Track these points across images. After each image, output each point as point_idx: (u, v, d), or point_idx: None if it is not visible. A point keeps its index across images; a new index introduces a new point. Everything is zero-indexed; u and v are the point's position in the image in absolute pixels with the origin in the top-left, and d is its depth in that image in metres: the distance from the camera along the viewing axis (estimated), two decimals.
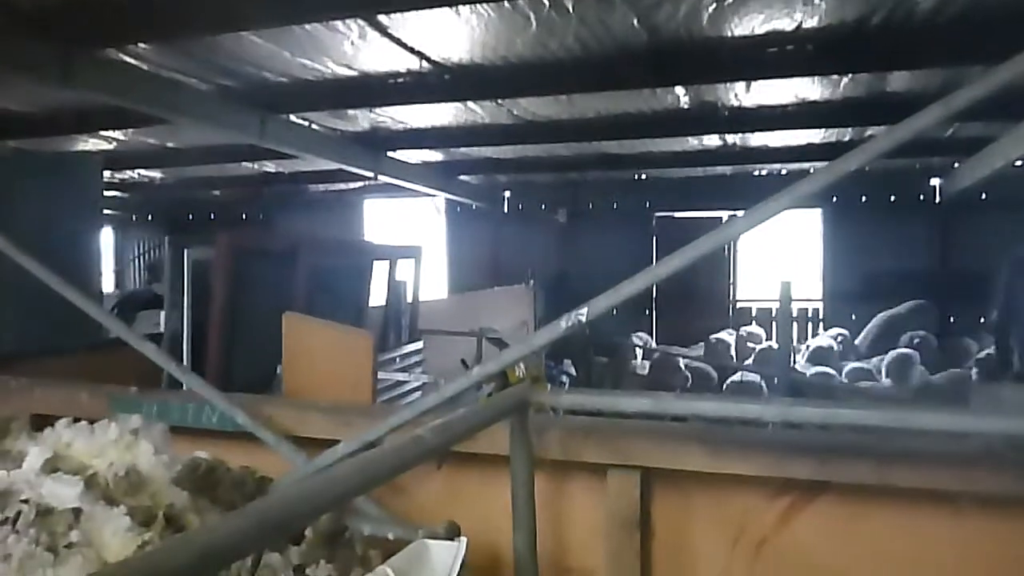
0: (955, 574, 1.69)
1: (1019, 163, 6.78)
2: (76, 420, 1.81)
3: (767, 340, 11.41)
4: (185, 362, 4.49)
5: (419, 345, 6.62)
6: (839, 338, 10.72)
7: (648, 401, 1.73)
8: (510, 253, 12.53)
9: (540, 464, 1.84)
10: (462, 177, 10.95)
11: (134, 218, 14.98)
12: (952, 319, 10.87)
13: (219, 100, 5.74)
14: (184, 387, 2.43)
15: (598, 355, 10.09)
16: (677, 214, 12.42)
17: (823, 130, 7.90)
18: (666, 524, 1.91)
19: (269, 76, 5.55)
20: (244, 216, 14.23)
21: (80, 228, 6.19)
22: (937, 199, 10.79)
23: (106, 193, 11.35)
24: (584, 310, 1.65)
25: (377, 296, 6.49)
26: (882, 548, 1.74)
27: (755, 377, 9.39)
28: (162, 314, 5.21)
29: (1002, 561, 1.65)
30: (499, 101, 6.42)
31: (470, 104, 6.56)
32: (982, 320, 10.60)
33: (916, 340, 9.99)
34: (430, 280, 11.60)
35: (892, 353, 9.76)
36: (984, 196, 10.26)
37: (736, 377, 9.64)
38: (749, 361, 10.48)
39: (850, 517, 1.77)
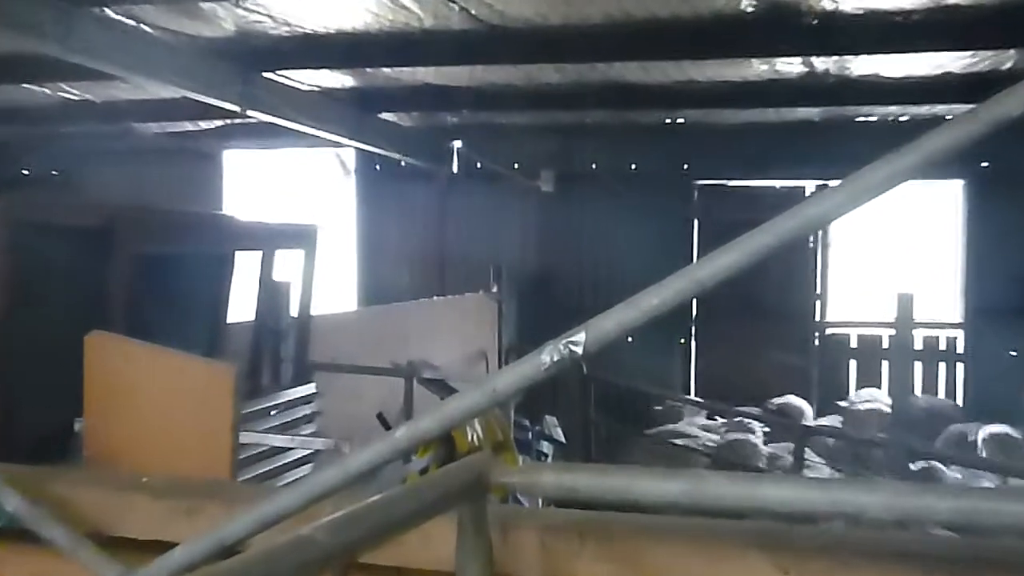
0: None
1: None
2: None
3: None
4: None
5: (311, 388, 6.60)
6: None
7: (681, 484, 1.72)
8: (462, 240, 12.57)
9: None
10: (385, 115, 10.94)
11: None
12: None
13: None
14: None
15: (603, 410, 10.11)
16: (731, 182, 12.55)
17: (966, 53, 7.99)
18: None
19: None
20: (27, 171, 14.09)
21: None
22: None
23: None
24: (580, 336, 1.64)
25: (243, 306, 6.45)
26: None
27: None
28: None
29: None
30: None
31: None
32: None
33: None
34: (331, 282, 11.57)
35: None
36: None
37: None
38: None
39: None
